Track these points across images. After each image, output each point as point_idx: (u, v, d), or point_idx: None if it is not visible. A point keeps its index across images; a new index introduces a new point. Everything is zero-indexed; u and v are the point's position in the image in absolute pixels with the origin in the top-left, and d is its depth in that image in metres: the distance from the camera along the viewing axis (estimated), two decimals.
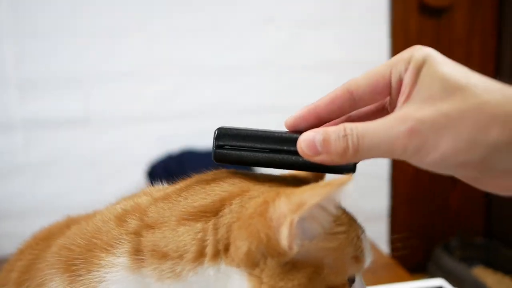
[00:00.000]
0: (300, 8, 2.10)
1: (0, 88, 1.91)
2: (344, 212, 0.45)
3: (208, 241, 0.41)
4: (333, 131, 0.41)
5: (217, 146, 0.45)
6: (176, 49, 1.99)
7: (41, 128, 1.94)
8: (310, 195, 0.37)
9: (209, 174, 0.50)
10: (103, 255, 0.43)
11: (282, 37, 2.09)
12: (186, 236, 0.41)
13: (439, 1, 2.15)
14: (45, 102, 1.93)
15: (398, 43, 2.19)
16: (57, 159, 1.94)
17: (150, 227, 0.43)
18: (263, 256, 0.39)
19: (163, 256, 0.41)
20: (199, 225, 0.41)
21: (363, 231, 0.45)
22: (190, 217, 0.42)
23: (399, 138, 0.38)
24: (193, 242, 0.41)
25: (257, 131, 0.45)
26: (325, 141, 0.41)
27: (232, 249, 0.40)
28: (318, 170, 0.45)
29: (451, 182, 2.35)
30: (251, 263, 0.39)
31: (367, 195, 2.25)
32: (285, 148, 0.44)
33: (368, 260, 0.44)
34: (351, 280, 0.43)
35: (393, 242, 2.20)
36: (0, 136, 1.93)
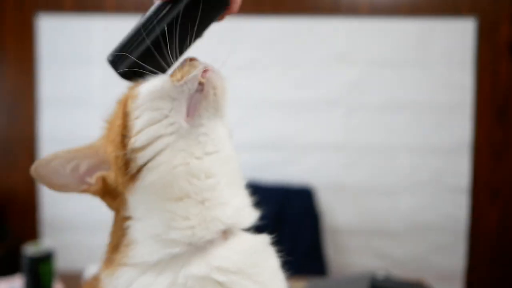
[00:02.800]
0: (374, 47, 2.03)
1: (85, 109, 2.06)
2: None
3: (117, 217, 0.52)
4: None
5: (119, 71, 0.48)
6: (245, 82, 2.00)
7: None
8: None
9: None
10: None
11: (353, 75, 2.02)
12: (114, 228, 0.52)
13: None
14: None
15: (485, 87, 2.01)
16: None
17: None
18: (112, 191, 0.50)
19: (116, 247, 0.52)
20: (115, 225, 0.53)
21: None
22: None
23: None
24: (116, 227, 0.51)
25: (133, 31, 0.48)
26: None
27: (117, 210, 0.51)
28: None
29: None
30: (119, 198, 0.49)
31: (441, 250, 2.05)
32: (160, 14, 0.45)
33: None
34: None
35: None
36: None
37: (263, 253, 0.49)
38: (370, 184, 2.05)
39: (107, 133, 0.50)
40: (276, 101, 2.04)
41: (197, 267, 0.45)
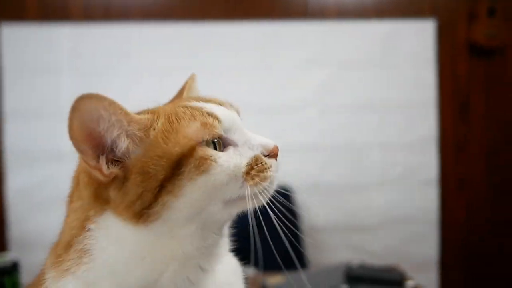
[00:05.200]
0: (343, 49, 2.10)
1: (55, 120, 1.98)
2: (164, 106, 0.49)
3: (79, 208, 0.48)
4: None
5: None
6: (220, 87, 2.00)
7: None
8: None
9: None
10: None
11: (324, 77, 2.08)
12: (71, 216, 0.49)
13: (490, 41, 2.09)
14: None
15: (447, 85, 2.13)
16: None
17: None
18: (104, 191, 0.44)
19: (69, 246, 0.49)
20: (72, 204, 0.50)
21: (206, 100, 0.50)
22: (70, 200, 0.51)
23: None
24: (74, 217, 0.48)
25: None
26: None
27: (87, 201, 0.46)
28: None
29: (509, 231, 2.20)
30: (103, 201, 0.45)
31: (415, 241, 2.13)
32: None
33: (225, 117, 0.47)
34: (219, 143, 0.46)
35: None
36: (49, 166, 1.99)
37: None
38: (344, 182, 2.11)
39: (176, 129, 0.45)
40: (251, 105, 2.06)
41: None
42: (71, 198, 0.50)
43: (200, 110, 0.47)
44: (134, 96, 1.99)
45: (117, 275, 0.45)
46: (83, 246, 0.45)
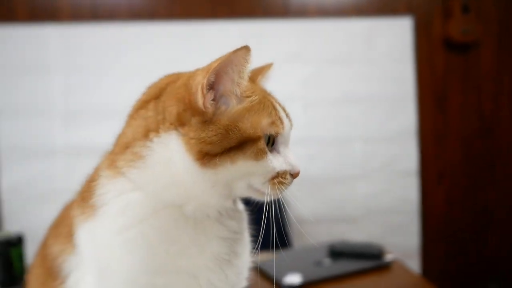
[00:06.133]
0: (325, 45, 2.17)
1: (46, 117, 2.06)
2: (260, 88, 0.60)
3: (151, 118, 0.55)
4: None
5: None
6: None
7: (81, 155, 2.03)
8: (214, 62, 0.53)
9: None
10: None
11: (306, 73, 2.15)
12: (138, 121, 0.56)
13: (465, 37, 2.17)
14: (85, 132, 2.04)
15: (425, 79, 2.21)
16: None
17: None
18: (189, 116, 0.52)
19: (126, 147, 0.56)
20: (144, 110, 0.56)
21: (280, 105, 0.60)
22: (142, 106, 0.57)
23: None
24: (142, 123, 0.55)
25: None
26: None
27: (166, 115, 0.54)
28: None
29: (487, 220, 2.28)
30: (181, 123, 0.53)
31: (396, 231, 2.21)
32: None
33: (286, 126, 0.58)
34: (272, 141, 0.56)
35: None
36: (42, 162, 2.04)
37: None
38: (328, 174, 2.18)
39: (258, 114, 0.56)
40: None
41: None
42: (145, 104, 0.57)
43: (276, 112, 0.58)
44: (123, 93, 2.07)
45: (156, 188, 0.54)
46: (140, 151, 0.54)
